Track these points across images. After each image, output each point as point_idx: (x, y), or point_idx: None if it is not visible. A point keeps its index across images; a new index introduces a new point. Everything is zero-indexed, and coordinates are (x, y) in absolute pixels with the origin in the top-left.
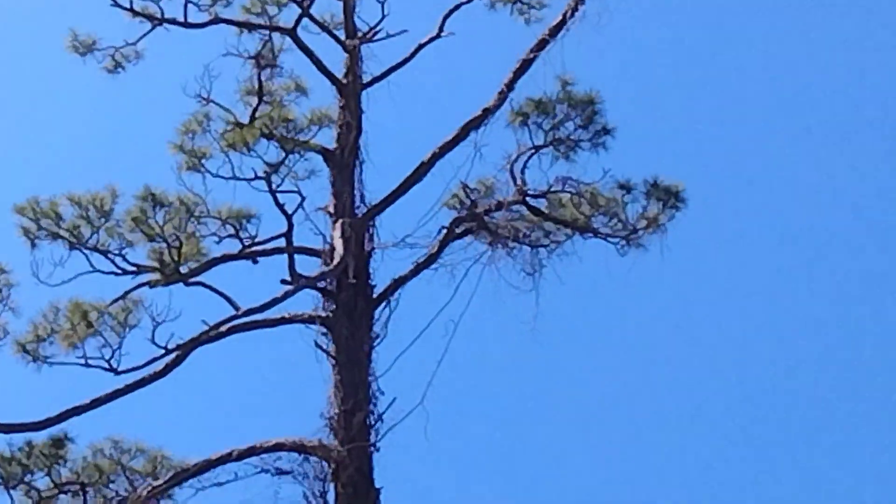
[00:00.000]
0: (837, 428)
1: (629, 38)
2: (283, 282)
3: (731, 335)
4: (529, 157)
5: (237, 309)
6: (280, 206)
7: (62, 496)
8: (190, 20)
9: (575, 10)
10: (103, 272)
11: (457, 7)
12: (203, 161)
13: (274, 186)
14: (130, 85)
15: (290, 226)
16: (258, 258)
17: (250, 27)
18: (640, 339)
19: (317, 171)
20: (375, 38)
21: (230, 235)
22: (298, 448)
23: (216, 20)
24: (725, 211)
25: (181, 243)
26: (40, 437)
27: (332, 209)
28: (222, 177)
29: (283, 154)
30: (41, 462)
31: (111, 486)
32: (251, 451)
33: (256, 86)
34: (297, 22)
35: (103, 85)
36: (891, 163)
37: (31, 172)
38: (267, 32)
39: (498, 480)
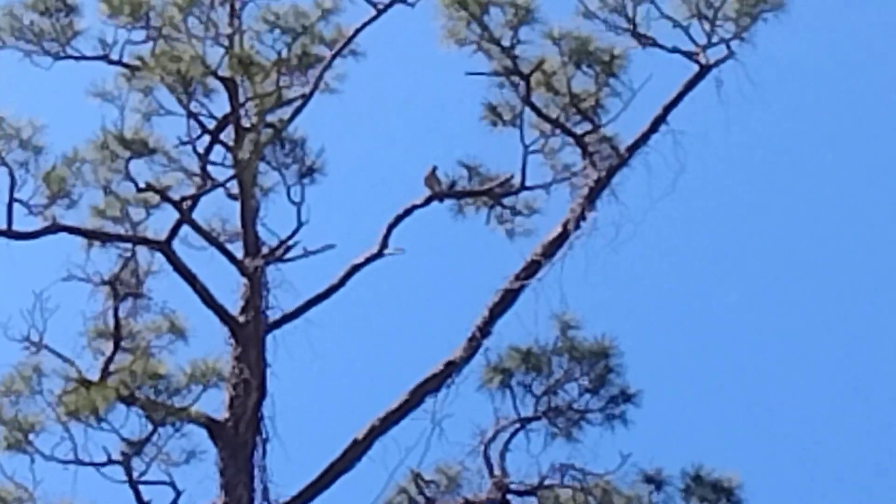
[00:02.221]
0: None
1: (659, 261)
2: None
3: None
4: (513, 435)
5: None
6: None
7: None
8: (17, 227)
9: (581, 218)
10: None
11: (406, 213)
12: (31, 436)
13: (135, 474)
14: None
15: None
16: None
17: (104, 238)
18: None
19: (200, 451)
20: (287, 255)
21: None
22: None
23: (54, 227)
24: None
25: None
26: None
27: None
28: (59, 459)
29: (150, 427)
30: None
31: None
32: None
33: (112, 325)
34: (174, 232)
35: None
36: None
37: None
38: (129, 246)
39: None
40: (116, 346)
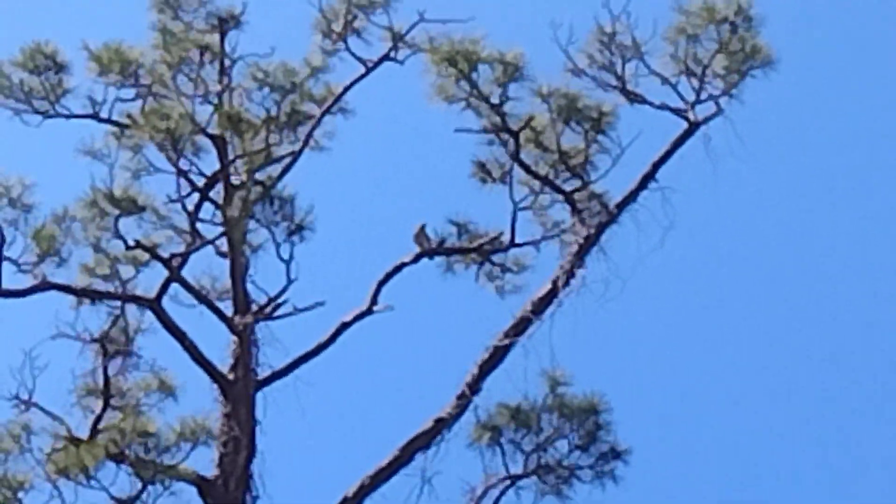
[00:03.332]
0: None
1: (649, 317)
2: None
3: None
4: (503, 493)
5: None
6: None
7: None
8: (6, 285)
9: (570, 275)
10: None
11: (396, 270)
12: (20, 494)
13: None
14: None
15: None
16: None
17: (93, 296)
18: None
19: None
20: (277, 313)
21: None
22: None
23: (44, 285)
24: None
25: None
26: None
27: None
28: None
29: (140, 485)
30: None
31: None
32: None
33: (101, 383)
34: (163, 289)
35: None
36: None
37: None
38: (118, 304)
39: None
40: (106, 404)
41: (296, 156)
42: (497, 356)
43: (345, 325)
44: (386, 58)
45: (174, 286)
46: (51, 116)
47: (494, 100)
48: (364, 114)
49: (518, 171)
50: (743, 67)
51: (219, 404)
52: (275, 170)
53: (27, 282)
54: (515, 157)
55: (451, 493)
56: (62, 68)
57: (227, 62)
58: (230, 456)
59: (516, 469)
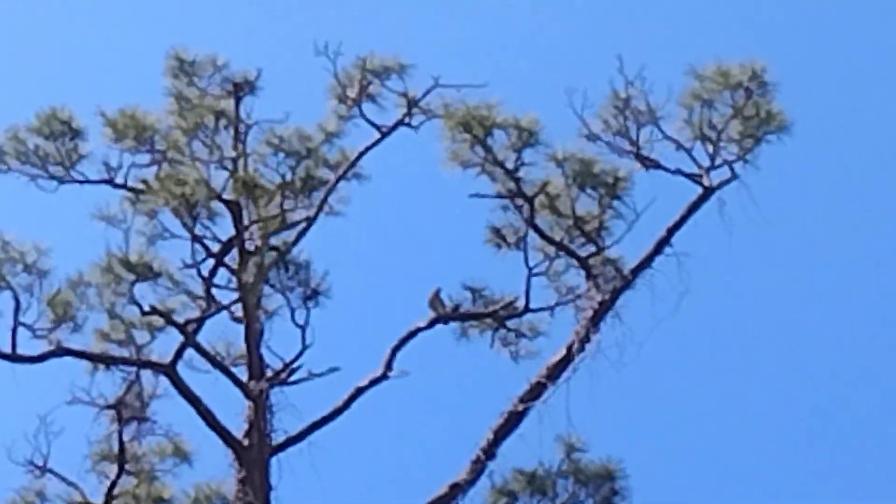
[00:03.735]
0: None
1: (664, 383)
2: None
3: None
4: None
5: None
6: None
7: None
8: (21, 351)
9: (585, 341)
10: None
11: (411, 335)
12: None
13: None
14: None
15: None
16: None
17: (108, 362)
18: None
19: None
20: (292, 378)
21: None
22: None
23: (58, 351)
24: None
25: None
26: None
27: None
28: None
29: None
30: None
31: None
32: None
33: (116, 448)
34: (178, 355)
35: None
36: None
37: None
38: (133, 370)
39: None
40: (121, 470)
41: (311, 221)
42: (512, 421)
43: (360, 391)
44: (401, 123)
45: (189, 351)
46: (66, 182)
47: (509, 165)
48: (379, 179)
49: (533, 237)
50: (758, 133)
51: (233, 470)
52: (290, 235)
53: (42, 347)
54: (530, 222)
55: None
56: (77, 134)
57: (241, 128)
58: None
59: None
